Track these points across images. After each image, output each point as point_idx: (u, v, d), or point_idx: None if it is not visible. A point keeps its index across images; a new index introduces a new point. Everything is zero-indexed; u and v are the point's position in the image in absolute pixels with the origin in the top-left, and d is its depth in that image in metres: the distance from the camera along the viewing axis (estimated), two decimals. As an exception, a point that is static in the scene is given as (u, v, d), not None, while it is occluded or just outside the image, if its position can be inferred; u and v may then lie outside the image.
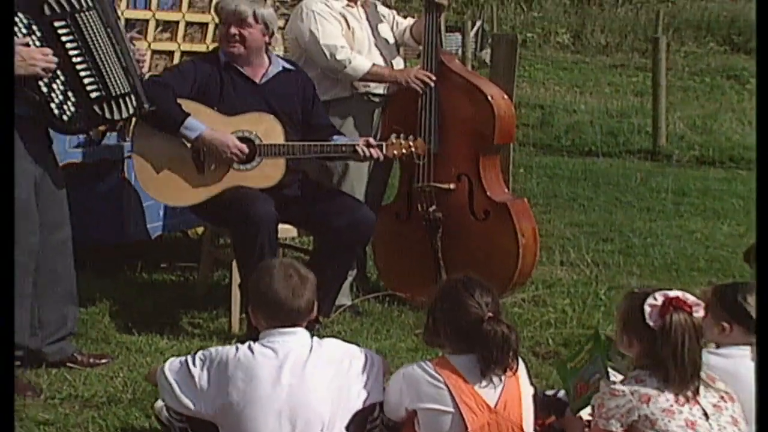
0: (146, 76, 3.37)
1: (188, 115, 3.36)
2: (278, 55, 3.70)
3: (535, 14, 19.95)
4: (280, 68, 3.60)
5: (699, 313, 2.15)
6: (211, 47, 4.01)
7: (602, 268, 4.55)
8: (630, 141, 8.80)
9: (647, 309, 2.14)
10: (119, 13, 3.35)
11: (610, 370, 2.33)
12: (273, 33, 3.57)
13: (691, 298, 2.16)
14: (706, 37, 16.92)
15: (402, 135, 3.53)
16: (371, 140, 3.52)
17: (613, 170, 7.63)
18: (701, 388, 2.15)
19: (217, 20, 4.01)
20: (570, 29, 18.46)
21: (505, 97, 3.99)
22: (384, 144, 3.50)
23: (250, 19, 3.47)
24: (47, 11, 2.82)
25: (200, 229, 4.32)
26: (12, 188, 2.38)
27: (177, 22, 3.90)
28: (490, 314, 2.23)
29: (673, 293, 2.15)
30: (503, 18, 18.95)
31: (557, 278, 4.32)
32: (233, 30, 3.47)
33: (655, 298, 2.14)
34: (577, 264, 4.58)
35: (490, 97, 3.82)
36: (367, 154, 3.47)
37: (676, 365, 2.11)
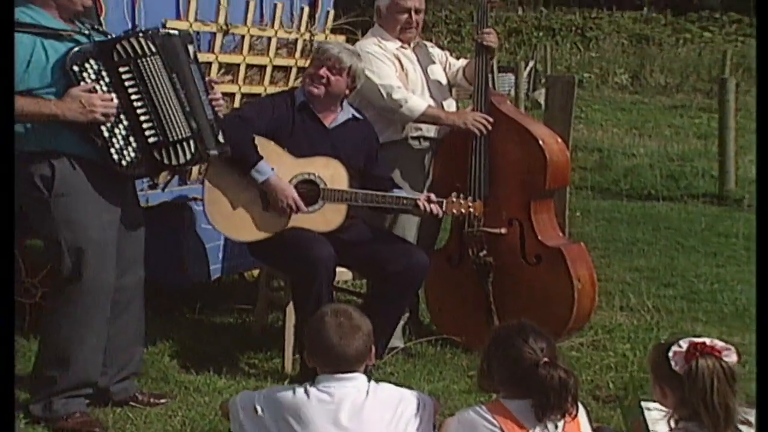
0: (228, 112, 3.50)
1: (261, 158, 3.58)
2: (349, 103, 3.89)
3: (592, 54, 20.11)
4: (350, 116, 3.80)
5: (730, 357, 2.20)
6: (268, 89, 4.23)
7: (664, 314, 4.59)
8: (693, 185, 8.79)
9: (671, 355, 2.20)
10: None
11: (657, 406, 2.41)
12: (355, 88, 3.78)
13: (720, 344, 2.21)
14: (783, 76, 16.79)
15: (462, 195, 3.69)
16: (432, 196, 3.68)
17: (674, 214, 7.67)
18: None
19: (275, 63, 4.26)
20: (628, 69, 18.55)
21: (559, 140, 4.10)
22: (444, 201, 3.66)
23: (344, 70, 3.68)
24: (115, 57, 3.00)
25: (256, 272, 4.52)
26: (12, 189, 2.46)
27: (238, 65, 4.12)
28: (546, 359, 2.29)
29: (699, 339, 2.21)
30: (558, 58, 19.14)
31: (617, 323, 4.39)
32: (323, 72, 3.67)
33: (680, 345, 2.20)
34: (637, 309, 4.63)
35: (541, 142, 3.93)
36: (428, 209, 3.63)
37: (707, 411, 2.15)
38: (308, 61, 4.00)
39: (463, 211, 3.68)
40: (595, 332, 4.18)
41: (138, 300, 3.28)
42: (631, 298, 4.81)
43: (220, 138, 3.20)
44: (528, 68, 15.38)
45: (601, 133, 11.71)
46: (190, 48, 3.16)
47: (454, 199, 3.67)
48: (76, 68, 2.95)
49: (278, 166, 3.60)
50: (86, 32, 3.07)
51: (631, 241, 6.52)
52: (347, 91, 3.75)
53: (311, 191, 3.63)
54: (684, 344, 2.19)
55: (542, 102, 9.03)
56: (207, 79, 3.27)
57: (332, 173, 3.64)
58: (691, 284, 5.27)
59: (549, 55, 17.59)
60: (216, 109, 3.21)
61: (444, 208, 3.66)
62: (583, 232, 6.47)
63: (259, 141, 3.61)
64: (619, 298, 4.81)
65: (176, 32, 3.19)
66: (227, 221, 3.64)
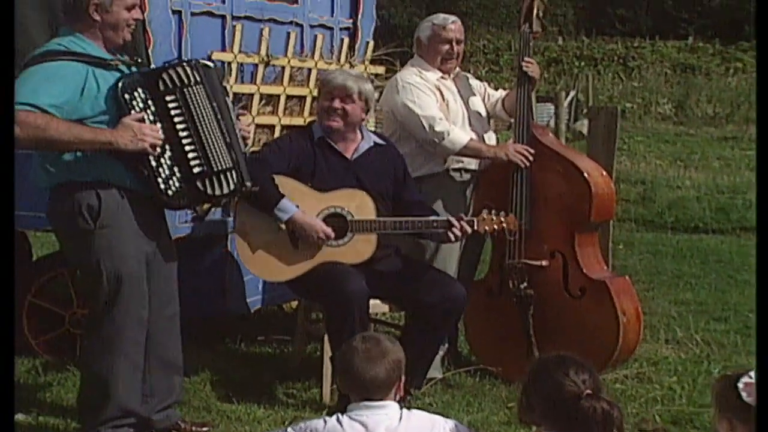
0: (249, 151, 3.59)
1: (282, 196, 3.66)
2: (370, 130, 3.99)
3: (635, 84, 20.14)
4: (372, 143, 3.88)
5: None
6: (308, 120, 4.33)
7: (715, 348, 4.62)
8: (745, 218, 8.75)
9: (742, 386, 2.18)
10: (228, 88, 3.59)
11: None
12: (370, 109, 3.88)
13: None
14: None
15: (494, 211, 3.75)
16: (462, 216, 3.76)
17: (725, 247, 7.68)
18: None
19: (314, 93, 4.34)
20: (672, 99, 18.53)
21: (604, 173, 4.18)
22: (475, 219, 3.73)
23: (355, 96, 3.76)
24: (161, 87, 3.13)
25: (294, 303, 4.65)
26: (12, 189, 2.51)
27: (278, 96, 4.25)
28: (589, 391, 2.29)
29: None
30: (600, 88, 19.18)
31: (662, 356, 4.44)
32: (337, 104, 3.76)
33: (751, 377, 2.19)
34: (684, 342, 4.67)
35: (586, 174, 4.02)
36: (457, 226, 3.69)
37: None
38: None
39: (495, 227, 3.74)
40: (639, 365, 4.23)
41: (175, 330, 3.40)
42: (677, 331, 4.85)
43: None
44: (569, 98, 15.44)
45: (644, 165, 11.73)
46: (223, 81, 3.30)
47: (486, 216, 3.73)
48: (126, 96, 3.09)
49: (303, 202, 3.68)
50: (128, 62, 3.23)
51: (677, 275, 6.56)
52: (364, 115, 3.84)
53: (339, 224, 3.71)
54: (755, 375, 2.19)
55: (585, 133, 9.11)
56: (236, 111, 3.40)
57: (358, 204, 3.72)
58: (746, 319, 5.26)
59: (591, 85, 17.65)
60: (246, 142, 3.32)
61: (476, 227, 3.72)
62: (627, 265, 6.52)
63: (281, 180, 3.69)
64: (664, 332, 4.84)
65: (212, 64, 3.33)
66: (260, 263, 3.74)
